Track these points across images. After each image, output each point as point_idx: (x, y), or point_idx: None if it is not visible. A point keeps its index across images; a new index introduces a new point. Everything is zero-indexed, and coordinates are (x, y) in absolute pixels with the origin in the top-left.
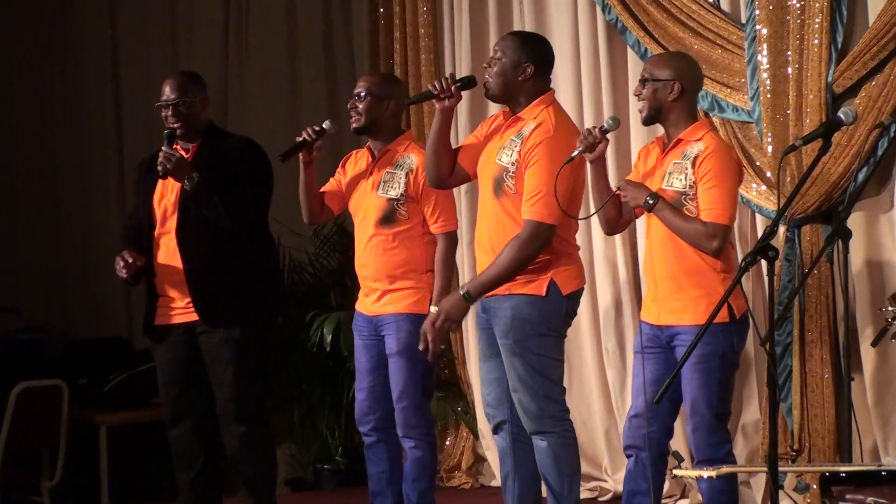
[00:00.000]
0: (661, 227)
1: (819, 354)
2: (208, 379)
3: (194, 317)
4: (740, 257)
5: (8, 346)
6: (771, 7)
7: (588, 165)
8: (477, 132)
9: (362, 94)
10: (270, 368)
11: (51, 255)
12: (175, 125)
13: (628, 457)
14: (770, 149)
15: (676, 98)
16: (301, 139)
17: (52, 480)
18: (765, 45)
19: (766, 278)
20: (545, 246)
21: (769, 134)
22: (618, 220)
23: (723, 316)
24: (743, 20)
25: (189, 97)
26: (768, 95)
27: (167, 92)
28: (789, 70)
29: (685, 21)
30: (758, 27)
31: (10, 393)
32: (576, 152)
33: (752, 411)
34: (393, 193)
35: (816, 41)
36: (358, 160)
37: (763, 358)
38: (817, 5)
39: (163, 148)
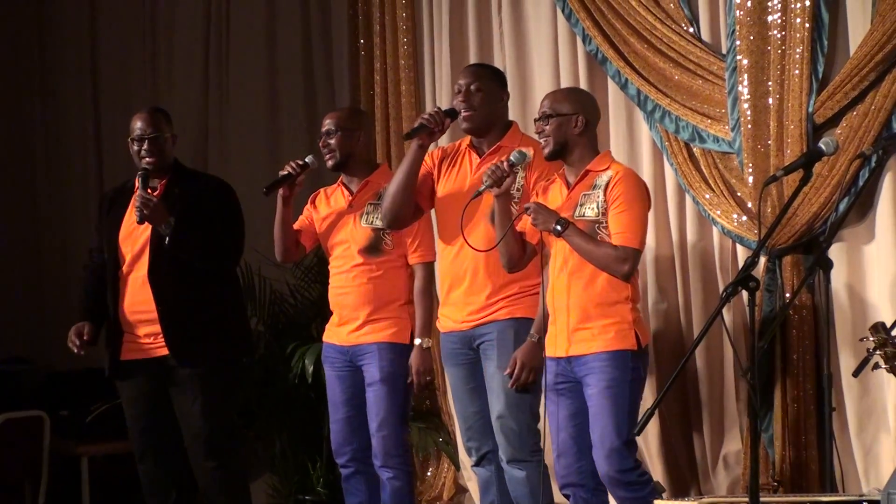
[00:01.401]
0: (568, 259)
1: (800, 385)
2: (174, 413)
3: (162, 352)
4: (721, 288)
5: None
6: (752, 38)
7: (494, 200)
8: (425, 167)
9: (332, 129)
10: (238, 405)
11: (32, 285)
12: (149, 159)
13: (566, 496)
14: (751, 179)
15: (581, 131)
16: (285, 173)
17: None
18: (745, 76)
19: (747, 309)
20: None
21: (750, 164)
22: (521, 255)
23: (630, 343)
24: (724, 51)
25: (162, 132)
26: (749, 126)
27: (141, 126)
28: (770, 100)
29: (665, 52)
30: (738, 58)
31: None
32: (483, 187)
33: (733, 442)
34: (379, 223)
35: (797, 71)
36: (330, 196)
37: (744, 388)
38: (798, 36)
39: (139, 192)
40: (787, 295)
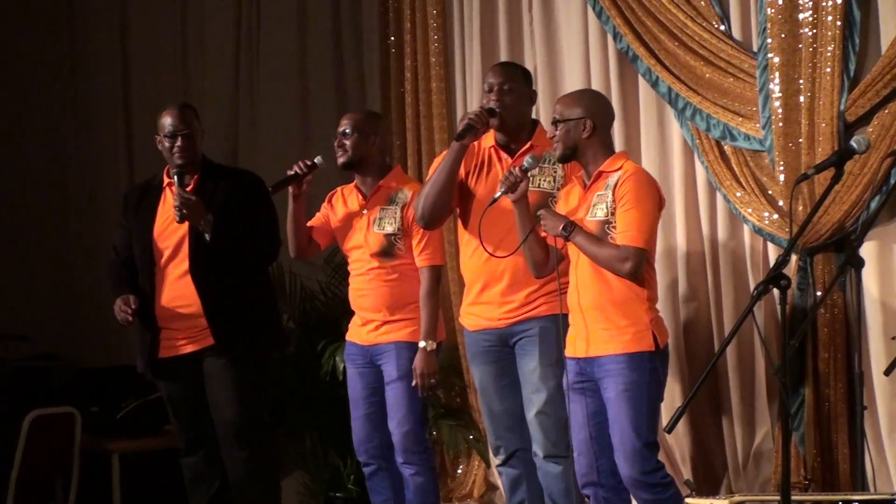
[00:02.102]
0: (584, 261)
1: (832, 383)
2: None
3: (202, 344)
4: (752, 286)
5: (20, 374)
6: (783, 35)
7: (513, 206)
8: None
9: (348, 130)
10: (273, 398)
11: (63, 282)
12: (183, 156)
13: (587, 496)
14: (782, 177)
15: (590, 135)
16: (292, 172)
17: None
18: (777, 74)
19: (778, 307)
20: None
21: (781, 162)
22: (545, 259)
23: (648, 345)
24: (755, 49)
25: (194, 128)
26: (780, 124)
27: (172, 123)
28: (801, 98)
29: (696, 49)
30: (770, 56)
31: (23, 420)
32: (498, 193)
33: (764, 440)
34: (390, 229)
35: (829, 69)
36: (346, 197)
37: (775, 387)
38: (829, 34)
39: (177, 191)
40: (819, 293)
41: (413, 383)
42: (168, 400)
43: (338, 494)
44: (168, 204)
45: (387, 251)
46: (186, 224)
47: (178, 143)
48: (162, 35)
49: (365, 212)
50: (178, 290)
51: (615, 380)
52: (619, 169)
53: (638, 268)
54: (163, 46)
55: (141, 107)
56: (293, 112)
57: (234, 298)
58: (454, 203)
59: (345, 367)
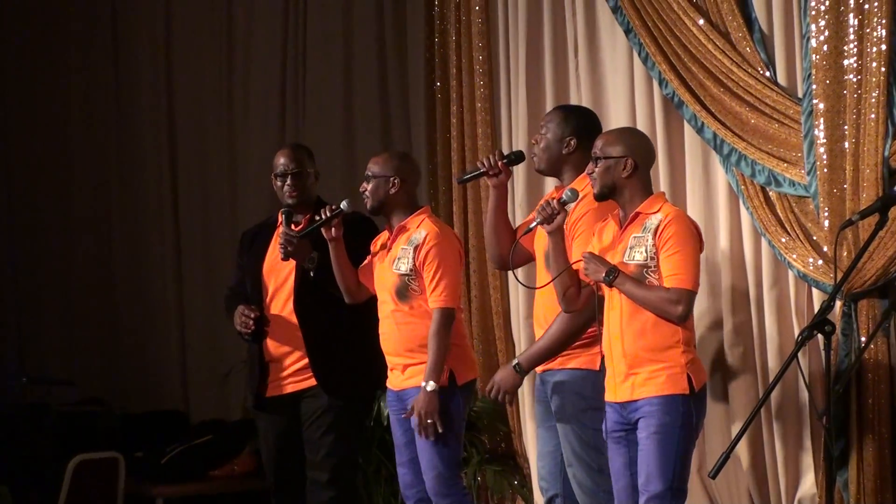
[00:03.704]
0: (620, 305)
1: (876, 429)
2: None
3: (304, 385)
4: (797, 332)
5: (65, 419)
6: (828, 81)
7: (547, 237)
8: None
9: (369, 175)
10: (362, 440)
11: (107, 327)
12: (293, 195)
13: None
14: (827, 223)
15: (630, 174)
16: (318, 218)
17: None
18: (821, 120)
19: (822, 353)
20: (594, 319)
21: (826, 208)
22: (576, 294)
23: (682, 388)
24: (800, 94)
25: (304, 167)
26: (825, 170)
27: (284, 162)
28: (846, 144)
29: (742, 95)
30: (815, 101)
31: (67, 465)
32: (534, 223)
33: (808, 485)
34: (404, 269)
35: (873, 116)
36: (381, 238)
37: (820, 432)
38: (874, 80)
39: (282, 229)
40: (863, 339)
41: (404, 416)
42: (262, 435)
43: None
44: (278, 241)
45: (402, 292)
46: (293, 263)
47: (289, 182)
48: (206, 78)
49: (386, 251)
50: (283, 328)
51: (647, 421)
52: (658, 211)
53: (689, 310)
54: (207, 92)
55: (186, 153)
56: (338, 156)
57: (337, 339)
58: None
59: (388, 413)
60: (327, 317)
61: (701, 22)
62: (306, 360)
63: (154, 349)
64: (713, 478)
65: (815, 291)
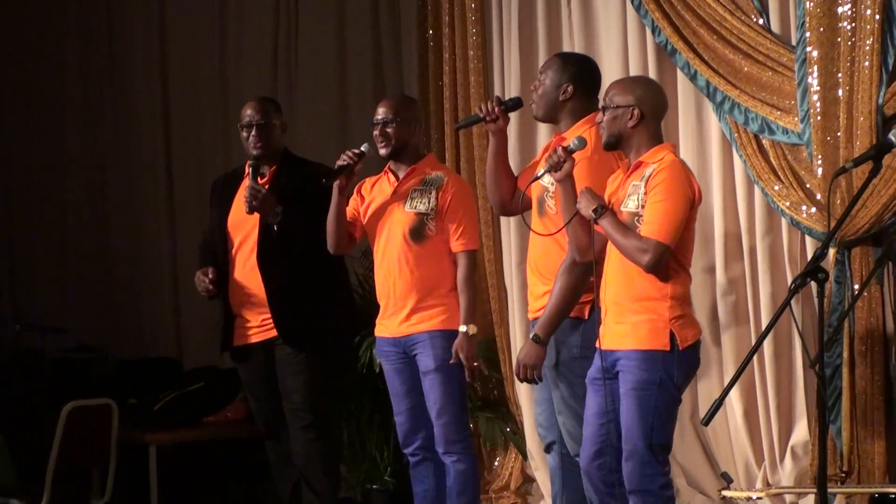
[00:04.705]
0: (613, 252)
1: (869, 376)
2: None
3: (271, 334)
4: (790, 279)
5: (58, 366)
6: (821, 29)
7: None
8: (538, 157)
9: (390, 118)
10: (339, 385)
11: (101, 275)
12: (258, 146)
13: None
14: (820, 171)
15: (636, 124)
16: (344, 163)
17: (102, 499)
18: (815, 68)
19: (815, 300)
20: (589, 272)
21: (819, 156)
22: (589, 245)
23: (663, 343)
24: (793, 42)
25: (272, 120)
26: (818, 118)
27: (250, 114)
28: (840, 92)
29: (735, 43)
30: (808, 49)
31: (61, 412)
32: (541, 172)
33: (801, 432)
34: (422, 208)
35: (867, 63)
36: (375, 184)
37: (812, 379)
38: (868, 27)
39: (248, 182)
40: (856, 287)
41: (452, 361)
42: (245, 385)
43: (374, 486)
44: (243, 194)
45: (417, 231)
46: (258, 216)
47: (254, 132)
48: (200, 30)
49: (396, 194)
50: (247, 279)
51: (625, 376)
52: (659, 161)
53: (657, 262)
54: (201, 44)
55: (178, 101)
56: (331, 109)
57: (299, 290)
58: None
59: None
60: (291, 269)
61: None
62: (270, 315)
63: (147, 296)
64: (705, 425)
65: (808, 239)
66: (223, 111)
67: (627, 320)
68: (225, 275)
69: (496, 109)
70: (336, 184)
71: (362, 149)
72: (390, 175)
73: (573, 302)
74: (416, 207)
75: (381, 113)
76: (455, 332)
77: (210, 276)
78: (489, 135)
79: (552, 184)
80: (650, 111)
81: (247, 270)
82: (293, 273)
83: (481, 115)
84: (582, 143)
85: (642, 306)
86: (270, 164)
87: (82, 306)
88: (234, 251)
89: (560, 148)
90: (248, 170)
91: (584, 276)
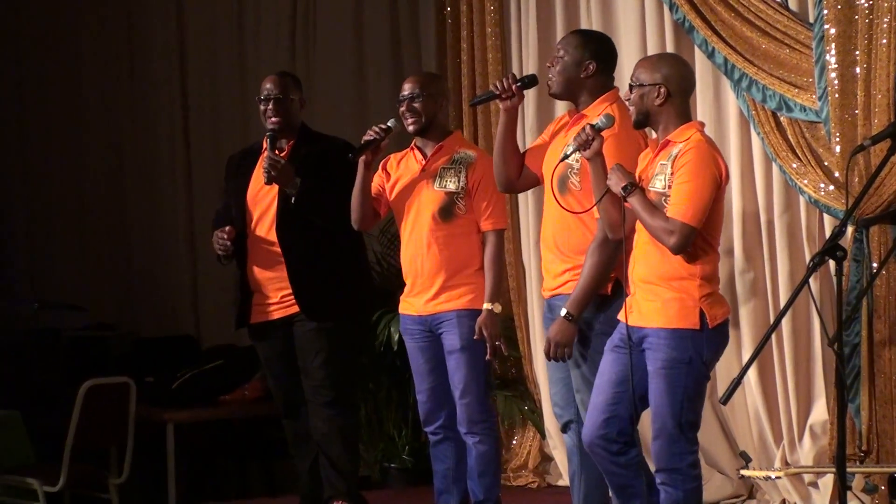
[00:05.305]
0: (643, 230)
1: (887, 355)
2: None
3: (290, 311)
4: (808, 257)
5: (76, 344)
6: (839, 7)
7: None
8: (544, 134)
9: (417, 93)
10: (359, 361)
11: (119, 253)
12: (275, 119)
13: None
14: (838, 149)
15: (663, 102)
16: (371, 138)
17: (120, 477)
18: (833, 45)
19: (833, 278)
20: (619, 249)
21: (837, 134)
22: (620, 222)
23: (693, 322)
24: (811, 20)
25: (290, 95)
26: (836, 95)
27: (269, 87)
28: (857, 70)
29: (753, 20)
30: (826, 27)
31: (79, 390)
32: (570, 150)
33: (819, 412)
34: (452, 187)
35: (885, 41)
36: (401, 160)
37: (831, 358)
38: (886, 5)
39: (267, 153)
40: (874, 264)
41: (476, 336)
42: (264, 363)
43: (392, 465)
44: (262, 167)
45: (447, 210)
46: (276, 189)
47: (271, 106)
48: (218, 8)
49: (424, 172)
50: (266, 254)
51: (654, 354)
52: (686, 140)
53: (683, 244)
54: (219, 18)
55: (196, 77)
56: (349, 82)
57: (320, 263)
58: (539, 171)
59: (400, 338)
60: (310, 243)
61: None
62: (289, 291)
63: (165, 274)
64: (724, 404)
65: (826, 217)
66: (241, 89)
67: (657, 298)
68: (243, 250)
69: (513, 87)
70: (362, 159)
71: (389, 124)
72: (417, 152)
73: (605, 279)
74: (445, 186)
75: (407, 89)
76: (481, 312)
77: (227, 230)
78: (501, 112)
79: (577, 161)
80: (677, 89)
81: (266, 244)
82: (313, 246)
83: (497, 92)
84: (610, 120)
85: (672, 285)
86: (288, 138)
87: (100, 284)
88: (252, 225)
89: (588, 126)
90: (265, 143)
91: (614, 253)
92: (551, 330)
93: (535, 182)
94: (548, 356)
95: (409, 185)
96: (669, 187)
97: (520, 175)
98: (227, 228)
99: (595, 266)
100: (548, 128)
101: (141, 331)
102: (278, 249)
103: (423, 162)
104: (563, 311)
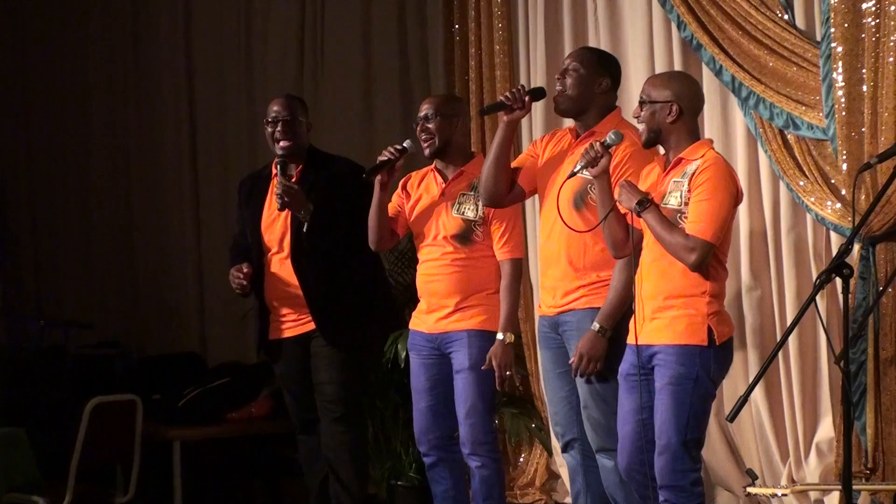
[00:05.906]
0: (651, 246)
1: (893, 373)
2: None
3: (308, 328)
4: (814, 275)
5: (82, 362)
6: (846, 25)
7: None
8: (531, 151)
9: (431, 114)
10: (368, 379)
11: (125, 271)
12: (283, 143)
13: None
14: (845, 166)
15: (675, 119)
16: (385, 158)
17: (126, 495)
18: (840, 63)
19: (840, 296)
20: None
21: (844, 152)
22: (625, 238)
23: (701, 338)
24: (818, 38)
25: (298, 117)
26: (843, 113)
27: (276, 110)
28: (864, 88)
29: (760, 38)
30: (833, 45)
31: (85, 408)
32: (577, 167)
33: (825, 429)
34: (470, 214)
35: (892, 59)
36: (422, 181)
37: (837, 376)
38: (892, 23)
39: (279, 179)
40: (881, 282)
41: (485, 367)
42: (280, 379)
43: (399, 482)
44: (275, 193)
45: (464, 236)
46: (289, 213)
47: (279, 128)
48: (225, 26)
49: (444, 196)
50: (282, 277)
51: (661, 370)
52: (700, 157)
53: (703, 261)
54: (227, 40)
55: (204, 98)
56: (357, 104)
57: (334, 285)
58: (527, 186)
59: (407, 356)
60: (326, 268)
61: None
62: (306, 310)
63: (172, 292)
64: (731, 421)
65: (833, 235)
66: (248, 108)
67: (665, 315)
68: (260, 276)
69: (525, 98)
70: (378, 179)
71: (405, 145)
72: (437, 174)
73: (631, 295)
74: (463, 213)
75: (422, 109)
76: (493, 334)
77: (245, 270)
78: (500, 124)
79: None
80: (688, 106)
81: (282, 271)
82: (328, 271)
83: (507, 102)
84: (619, 137)
85: (680, 302)
86: (296, 162)
87: (106, 302)
88: (268, 252)
89: (597, 143)
90: (275, 168)
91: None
92: (583, 345)
93: (522, 198)
94: (575, 371)
95: (429, 208)
96: (685, 204)
97: (510, 190)
98: (245, 269)
99: (626, 281)
100: (536, 143)
101: (147, 348)
102: (294, 277)
103: (443, 185)
104: (596, 326)
